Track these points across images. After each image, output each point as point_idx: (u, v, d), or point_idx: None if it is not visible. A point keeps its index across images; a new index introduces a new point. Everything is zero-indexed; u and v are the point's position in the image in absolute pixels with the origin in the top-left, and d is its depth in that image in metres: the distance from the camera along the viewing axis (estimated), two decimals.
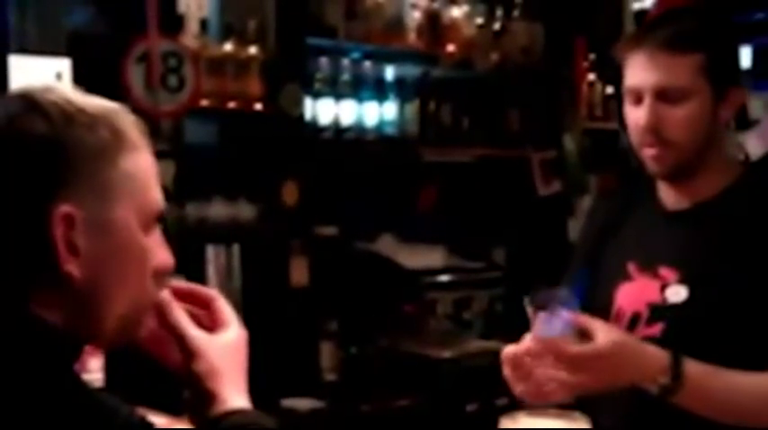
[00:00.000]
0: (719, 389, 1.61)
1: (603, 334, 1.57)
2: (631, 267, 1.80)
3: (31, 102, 1.06)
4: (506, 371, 1.64)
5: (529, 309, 1.60)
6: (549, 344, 1.57)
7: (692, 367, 1.60)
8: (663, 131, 1.71)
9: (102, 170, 1.06)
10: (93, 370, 2.27)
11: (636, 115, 1.74)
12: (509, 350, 1.63)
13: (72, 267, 1.04)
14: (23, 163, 1.03)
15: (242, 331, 1.22)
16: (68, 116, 1.05)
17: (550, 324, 1.58)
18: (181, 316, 1.19)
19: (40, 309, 1.04)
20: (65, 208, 1.03)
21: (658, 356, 1.60)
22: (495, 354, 1.70)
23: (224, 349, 1.18)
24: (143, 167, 1.10)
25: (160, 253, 1.13)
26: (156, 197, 1.12)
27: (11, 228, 1.03)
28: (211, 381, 1.16)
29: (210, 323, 1.21)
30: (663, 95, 1.71)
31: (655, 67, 1.71)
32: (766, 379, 1.62)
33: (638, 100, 1.74)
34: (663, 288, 1.73)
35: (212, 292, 1.25)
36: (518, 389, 1.63)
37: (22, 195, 1.03)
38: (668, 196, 1.81)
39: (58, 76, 2.36)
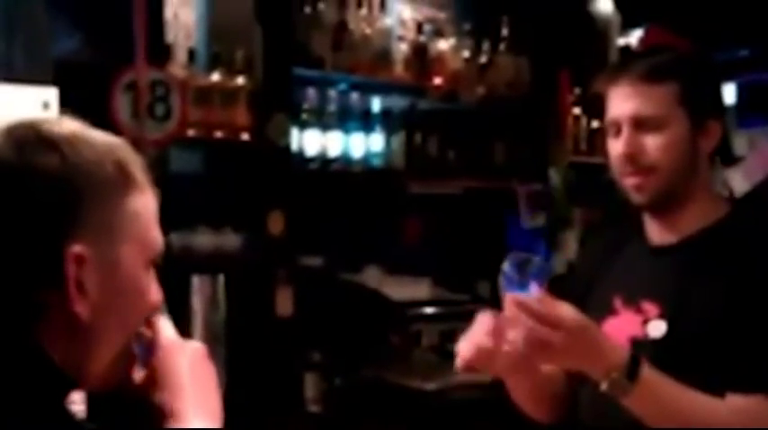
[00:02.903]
0: (671, 404, 1.60)
1: (570, 311, 1.56)
2: (617, 301, 1.80)
3: (39, 134, 1.03)
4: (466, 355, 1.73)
5: (506, 266, 1.59)
6: (517, 298, 1.56)
7: (650, 373, 1.60)
8: (642, 158, 1.73)
9: (111, 209, 1.05)
10: (76, 400, 2.25)
11: (616, 146, 1.76)
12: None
13: (80, 307, 1.02)
14: (38, 198, 1.00)
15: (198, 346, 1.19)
16: (77, 151, 1.03)
17: (520, 286, 1.57)
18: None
19: (47, 345, 1.02)
20: (77, 247, 1.01)
21: (618, 352, 1.60)
22: (480, 387, 1.70)
23: (188, 363, 1.14)
24: (148, 208, 1.10)
25: (153, 292, 1.12)
26: (157, 237, 1.12)
27: (25, 264, 1.00)
28: (171, 396, 1.11)
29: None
30: (640, 124, 1.73)
31: (632, 97, 1.73)
32: (717, 405, 1.61)
33: (618, 131, 1.76)
34: (645, 322, 1.74)
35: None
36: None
37: (37, 232, 1.00)
38: (653, 231, 1.82)
39: (45, 105, 2.35)
